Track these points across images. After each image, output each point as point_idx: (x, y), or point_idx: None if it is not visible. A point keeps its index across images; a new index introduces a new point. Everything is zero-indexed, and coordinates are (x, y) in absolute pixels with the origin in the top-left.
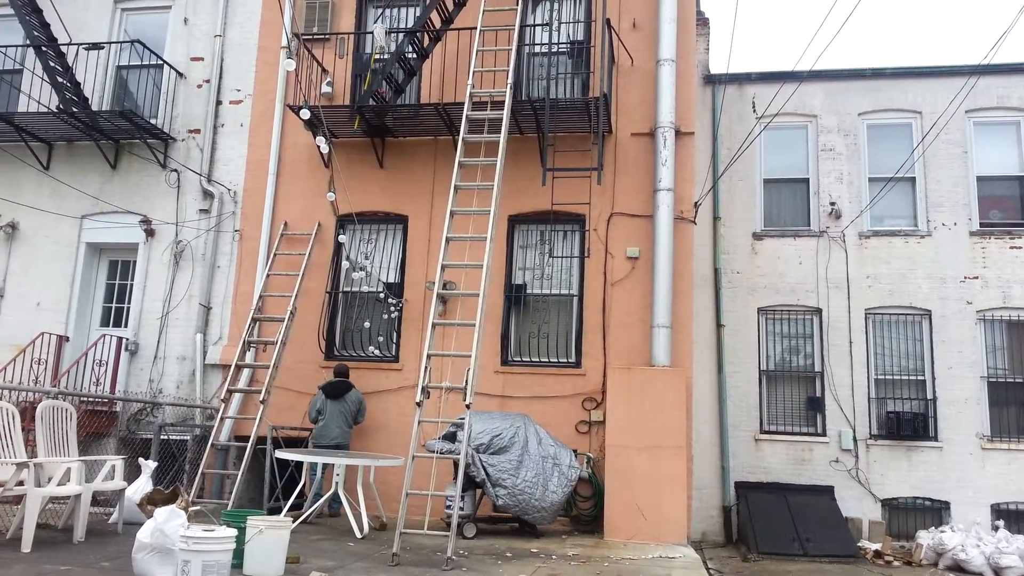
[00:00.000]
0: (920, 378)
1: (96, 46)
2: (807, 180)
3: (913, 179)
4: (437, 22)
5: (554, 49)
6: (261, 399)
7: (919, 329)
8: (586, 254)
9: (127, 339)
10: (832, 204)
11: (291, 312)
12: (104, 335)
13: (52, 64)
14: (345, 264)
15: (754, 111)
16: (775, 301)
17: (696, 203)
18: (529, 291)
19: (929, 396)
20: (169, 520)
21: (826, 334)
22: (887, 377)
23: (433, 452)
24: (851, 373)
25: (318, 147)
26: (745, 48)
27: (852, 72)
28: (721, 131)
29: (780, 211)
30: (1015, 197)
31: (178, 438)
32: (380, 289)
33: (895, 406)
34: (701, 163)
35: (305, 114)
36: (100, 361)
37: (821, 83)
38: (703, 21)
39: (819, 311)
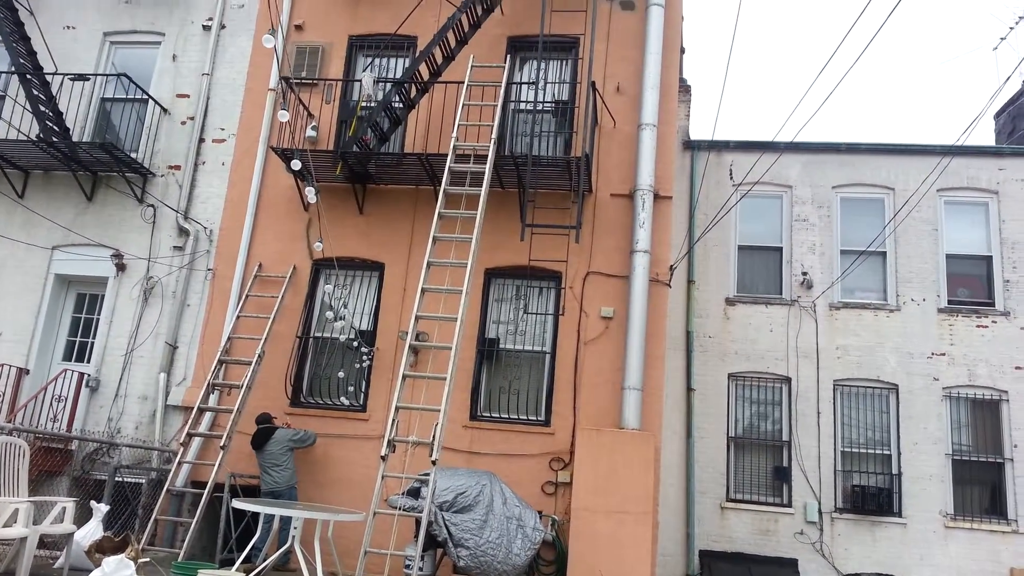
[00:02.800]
0: (886, 452)
1: (81, 77)
2: (780, 249)
3: (884, 253)
4: (425, 74)
5: (539, 107)
6: (222, 444)
7: (886, 403)
8: (561, 311)
9: (88, 375)
10: (804, 274)
11: (259, 356)
12: (66, 370)
13: (36, 93)
14: (328, 315)
15: (731, 178)
16: (745, 367)
17: (672, 266)
18: (502, 346)
19: (894, 471)
20: (118, 570)
21: (795, 403)
22: (854, 450)
23: (395, 508)
24: (818, 444)
25: (305, 196)
26: (724, 115)
27: (827, 146)
28: (698, 195)
29: (753, 278)
30: (982, 276)
31: (133, 480)
32: (353, 336)
33: (861, 480)
34: (678, 226)
35: (296, 165)
36: (59, 396)
37: (797, 155)
38: (685, 88)
39: (788, 380)
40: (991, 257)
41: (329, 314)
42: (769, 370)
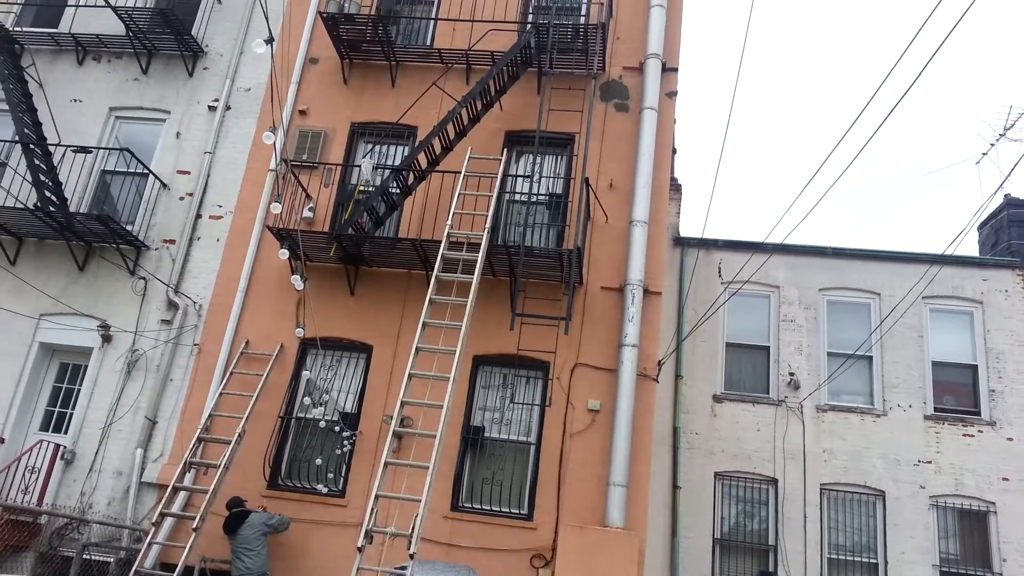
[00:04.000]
0: (873, 560)
1: (84, 149)
2: (768, 348)
3: (870, 358)
4: (424, 162)
5: (533, 199)
6: (194, 526)
7: (873, 509)
8: (547, 403)
9: (64, 447)
10: (791, 374)
11: (239, 435)
12: (41, 440)
13: (37, 162)
14: (306, 400)
15: (720, 276)
16: (732, 467)
17: (660, 361)
18: (487, 434)
19: None
20: None
21: (781, 505)
22: (840, 557)
23: None
24: (804, 549)
25: (293, 283)
26: (714, 211)
27: (814, 249)
28: (687, 291)
29: (741, 375)
30: (968, 385)
31: (101, 559)
32: (336, 419)
33: None
34: (667, 321)
35: (283, 254)
36: (33, 468)
37: (784, 256)
38: (676, 187)
39: (775, 481)
40: (976, 366)
41: (307, 400)
42: (756, 471)
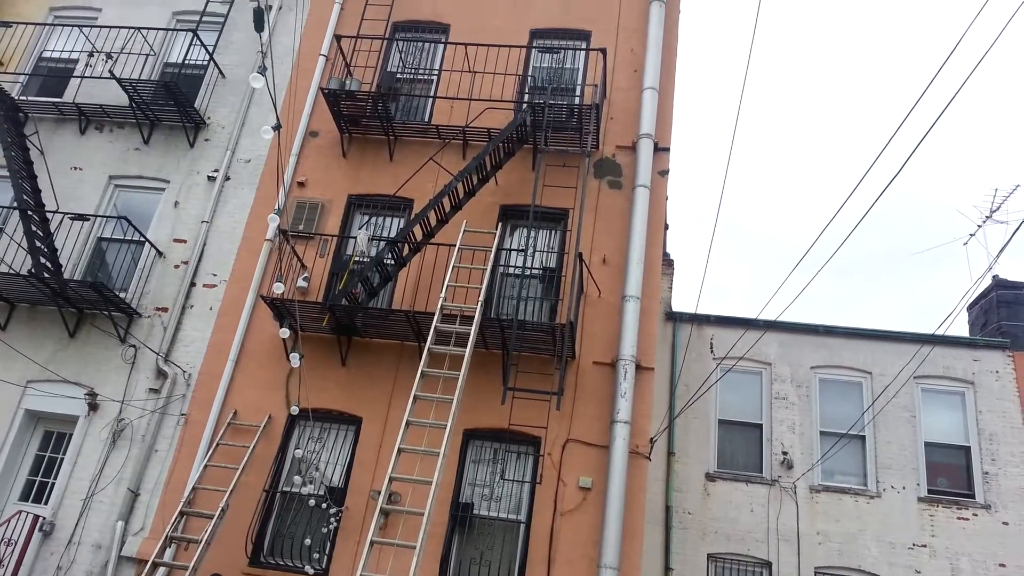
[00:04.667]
0: None
1: (81, 217)
2: (760, 426)
3: (863, 437)
4: (419, 234)
5: (527, 273)
6: None
7: None
8: (538, 480)
9: (44, 518)
10: (784, 454)
11: (223, 509)
12: (20, 511)
13: (34, 229)
14: (296, 479)
15: (712, 351)
16: (726, 548)
17: (652, 439)
18: (476, 511)
19: None
20: None
21: None
22: None
23: None
24: None
25: (291, 361)
26: (706, 285)
27: (805, 327)
28: (680, 367)
29: (734, 453)
30: (962, 467)
31: None
32: (322, 494)
33: None
34: (659, 396)
35: (284, 333)
36: (9, 540)
37: (776, 333)
38: (668, 263)
39: (769, 564)
40: (969, 448)
41: (297, 479)
42: (749, 553)
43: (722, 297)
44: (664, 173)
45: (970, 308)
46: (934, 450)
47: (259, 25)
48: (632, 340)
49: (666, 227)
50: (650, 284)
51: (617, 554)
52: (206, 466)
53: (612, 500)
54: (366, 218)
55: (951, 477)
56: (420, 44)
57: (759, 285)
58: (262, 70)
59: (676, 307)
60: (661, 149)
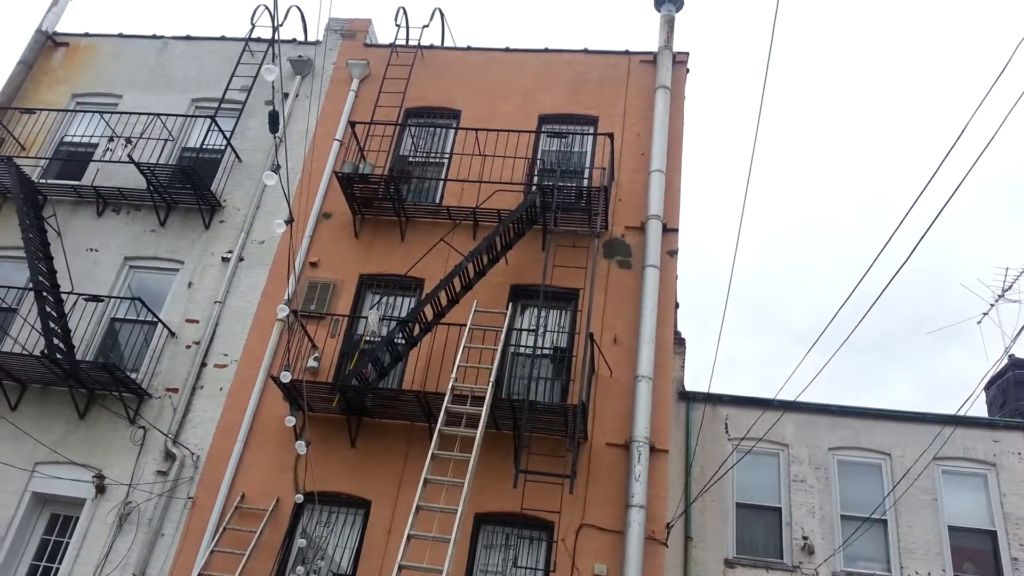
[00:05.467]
0: None
1: (96, 298)
2: (779, 509)
3: (885, 521)
4: (429, 314)
5: (538, 352)
6: None
7: None
8: (552, 567)
9: None
10: (805, 538)
11: None
12: None
13: (48, 310)
14: (299, 571)
15: (727, 432)
16: None
17: (669, 524)
18: None
19: None
20: None
21: None
22: None
23: None
24: None
25: (296, 448)
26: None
27: (821, 407)
28: (695, 448)
29: (753, 538)
30: (988, 552)
31: None
32: None
33: None
34: (674, 477)
35: (290, 421)
36: None
37: (792, 414)
38: (680, 341)
39: None
40: (995, 532)
41: (300, 570)
42: None
43: (734, 372)
44: (673, 253)
45: (987, 388)
46: (958, 534)
47: (274, 127)
48: (645, 421)
49: (676, 306)
50: (662, 364)
51: None
52: (212, 552)
53: None
54: (377, 298)
55: (978, 562)
56: (432, 129)
57: (770, 361)
58: (275, 168)
59: (689, 386)
60: (670, 230)
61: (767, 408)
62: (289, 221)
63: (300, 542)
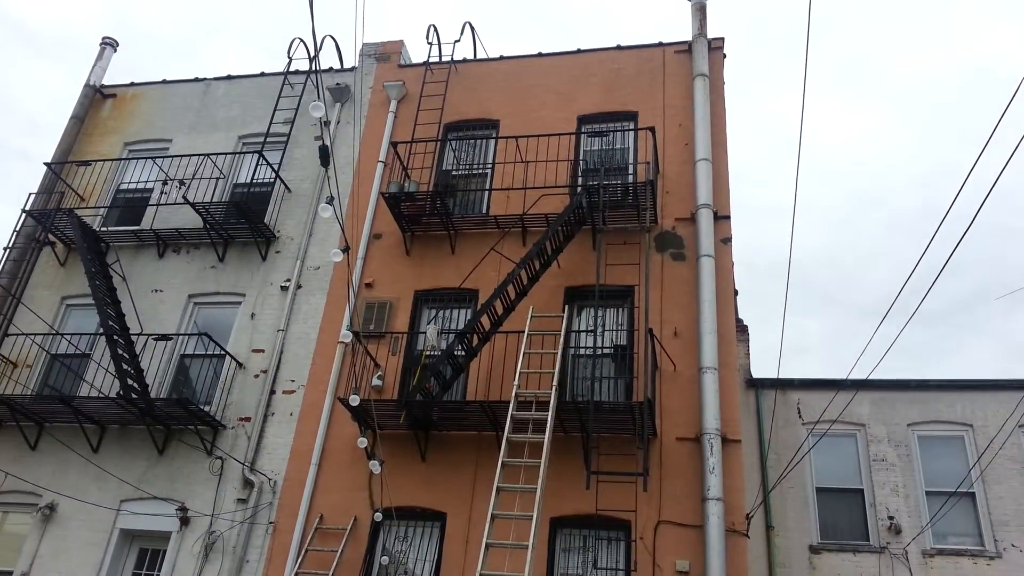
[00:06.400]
0: None
1: (165, 337)
2: (861, 491)
3: (973, 494)
4: (487, 324)
5: (598, 352)
6: None
7: None
8: (633, 567)
9: None
10: (891, 518)
11: None
12: None
13: (120, 352)
14: None
15: (800, 417)
16: None
17: (748, 515)
18: None
19: None
20: None
21: None
22: None
23: None
24: None
25: (371, 468)
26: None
27: (897, 383)
28: (768, 435)
29: (837, 522)
30: None
31: None
32: None
33: None
34: (749, 467)
35: (362, 442)
36: None
37: (866, 392)
38: (742, 328)
39: None
40: None
41: None
42: None
43: (799, 357)
44: (727, 241)
45: None
46: None
47: (324, 161)
48: (714, 412)
49: (735, 293)
50: (726, 353)
51: None
52: (297, 574)
53: None
54: (434, 312)
55: None
56: (472, 141)
57: (838, 342)
58: (329, 200)
59: (756, 373)
60: (721, 218)
61: (840, 388)
62: (345, 250)
63: (383, 559)
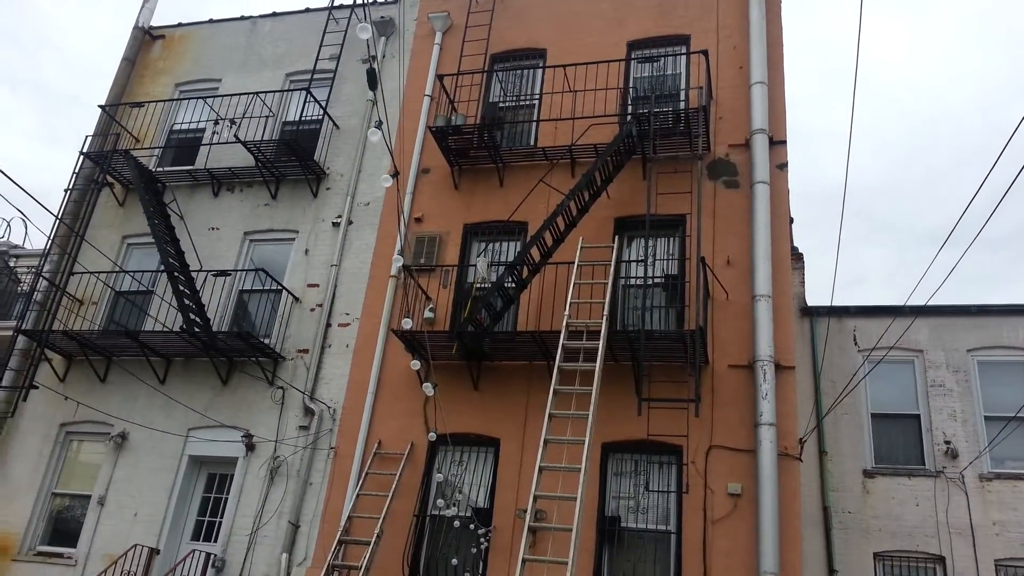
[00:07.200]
0: None
1: (223, 273)
2: (918, 416)
3: None
4: (537, 256)
5: (649, 282)
6: None
7: None
8: (684, 489)
9: (215, 555)
10: (947, 443)
11: (377, 535)
12: (193, 550)
13: (182, 288)
14: (439, 503)
15: (855, 344)
16: (892, 546)
17: (801, 439)
18: (623, 524)
19: None
20: None
21: None
22: None
23: None
24: None
25: (424, 390)
26: (839, 277)
27: (957, 308)
28: (822, 363)
29: (891, 447)
30: None
31: None
32: (469, 516)
33: None
34: (803, 394)
35: (415, 365)
36: None
37: (925, 319)
38: (797, 256)
39: (942, 559)
40: None
41: (440, 502)
42: (919, 549)
43: (857, 286)
44: (783, 166)
45: None
46: None
47: (372, 84)
48: (768, 340)
49: (791, 220)
50: (780, 281)
51: (776, 560)
52: (358, 495)
53: (765, 505)
54: (483, 245)
55: None
56: (519, 72)
57: (894, 270)
58: (378, 124)
59: (812, 301)
60: (777, 143)
61: (898, 315)
62: (395, 175)
63: (438, 476)
